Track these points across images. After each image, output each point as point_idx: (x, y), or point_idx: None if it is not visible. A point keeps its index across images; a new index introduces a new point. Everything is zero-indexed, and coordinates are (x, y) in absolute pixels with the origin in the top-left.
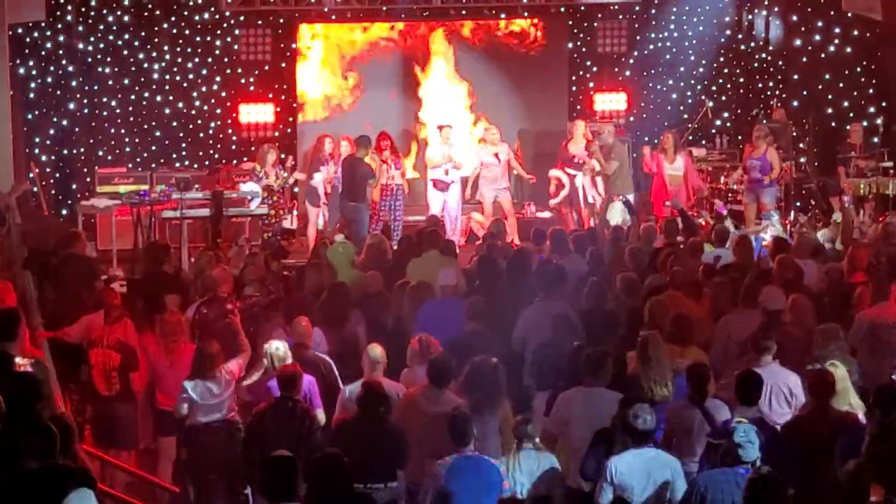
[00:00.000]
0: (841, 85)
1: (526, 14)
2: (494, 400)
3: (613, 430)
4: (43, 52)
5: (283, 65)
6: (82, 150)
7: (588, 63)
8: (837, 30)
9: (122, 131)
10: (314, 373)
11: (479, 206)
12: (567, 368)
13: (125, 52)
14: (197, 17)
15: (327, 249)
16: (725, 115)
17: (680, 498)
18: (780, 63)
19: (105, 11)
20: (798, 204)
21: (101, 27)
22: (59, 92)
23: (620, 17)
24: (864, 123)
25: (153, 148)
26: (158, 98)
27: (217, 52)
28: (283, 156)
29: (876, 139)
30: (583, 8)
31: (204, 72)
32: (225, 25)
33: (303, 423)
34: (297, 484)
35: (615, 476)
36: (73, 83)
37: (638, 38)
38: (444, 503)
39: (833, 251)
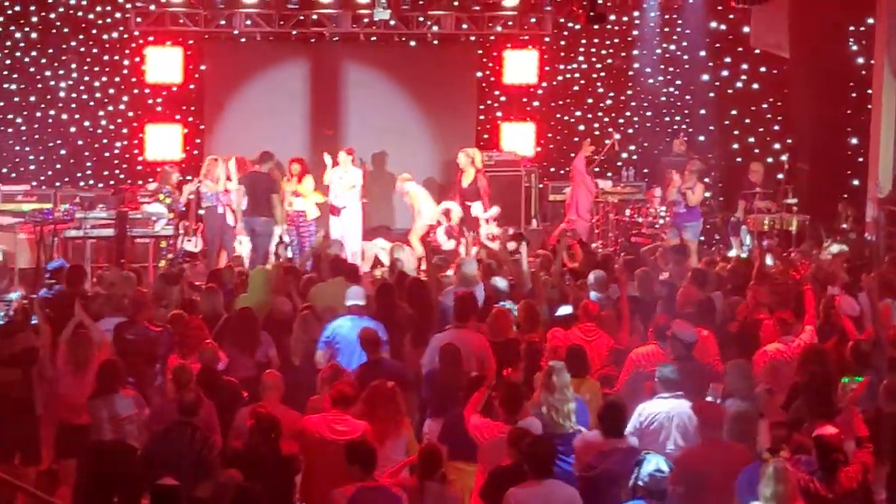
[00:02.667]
0: (747, 121)
1: (435, 42)
2: (395, 424)
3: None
4: None
5: (192, 86)
6: None
7: (496, 93)
8: (745, 66)
9: (27, 149)
10: (223, 398)
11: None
12: (461, 397)
13: (32, 70)
14: (105, 36)
15: (253, 271)
16: (632, 147)
17: None
18: (688, 97)
19: (12, 28)
20: (702, 238)
21: (8, 43)
22: None
23: (530, 47)
24: (769, 160)
25: (58, 166)
26: (64, 116)
27: (125, 71)
28: (188, 177)
29: (780, 175)
30: (493, 38)
31: (111, 91)
32: (133, 45)
33: (201, 449)
34: None
35: None
36: None
37: (547, 68)
38: None
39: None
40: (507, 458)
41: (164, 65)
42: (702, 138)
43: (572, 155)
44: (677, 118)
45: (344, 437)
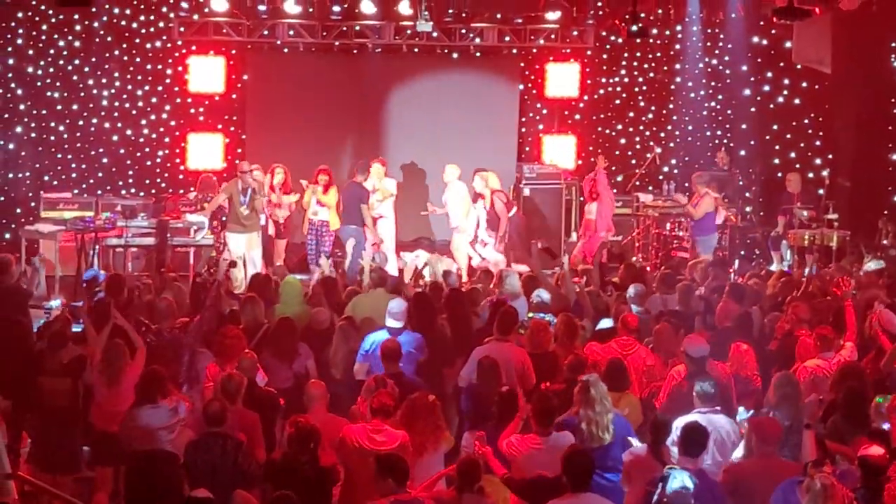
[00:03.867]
0: (788, 136)
1: (478, 54)
2: (434, 437)
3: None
4: None
5: (234, 96)
6: (28, 174)
7: (538, 105)
8: (786, 81)
9: (69, 157)
10: (262, 408)
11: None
12: (494, 411)
13: (74, 78)
14: (148, 45)
15: (283, 282)
16: (673, 161)
17: None
18: (729, 112)
19: (56, 36)
20: (742, 253)
21: (52, 52)
22: (6, 115)
23: (572, 60)
24: (810, 175)
25: (100, 174)
26: (107, 125)
27: (167, 80)
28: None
29: (821, 191)
30: (535, 51)
31: (154, 100)
32: (176, 54)
33: (236, 458)
34: None
35: None
36: (21, 107)
37: (589, 82)
38: None
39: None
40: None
41: (206, 74)
42: (743, 153)
43: (614, 169)
44: (718, 132)
45: (382, 448)
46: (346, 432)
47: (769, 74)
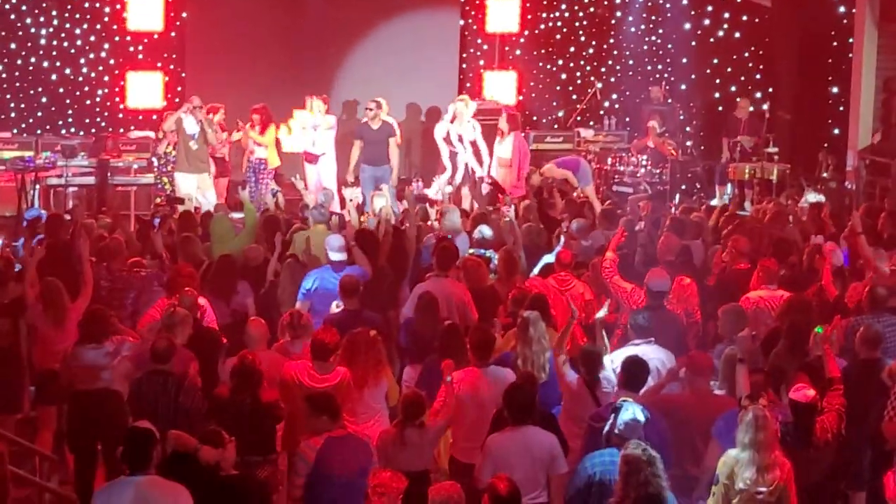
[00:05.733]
0: (729, 69)
1: None
2: (374, 372)
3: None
4: None
5: (173, 34)
6: None
7: (479, 41)
8: (727, 14)
9: (8, 96)
10: (204, 346)
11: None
12: (437, 346)
13: (12, 17)
14: None
15: (212, 220)
16: (614, 96)
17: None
18: (669, 46)
19: None
20: (683, 187)
21: None
22: None
23: None
24: (750, 109)
25: (39, 114)
26: (45, 64)
27: (106, 18)
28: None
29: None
30: None
31: (92, 38)
32: None
33: (177, 396)
34: (153, 455)
35: (494, 453)
36: None
37: (529, 17)
38: (315, 485)
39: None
40: None
41: (145, 12)
42: (683, 87)
43: (555, 104)
44: (659, 67)
45: (322, 385)
46: (287, 370)
47: (709, 8)
